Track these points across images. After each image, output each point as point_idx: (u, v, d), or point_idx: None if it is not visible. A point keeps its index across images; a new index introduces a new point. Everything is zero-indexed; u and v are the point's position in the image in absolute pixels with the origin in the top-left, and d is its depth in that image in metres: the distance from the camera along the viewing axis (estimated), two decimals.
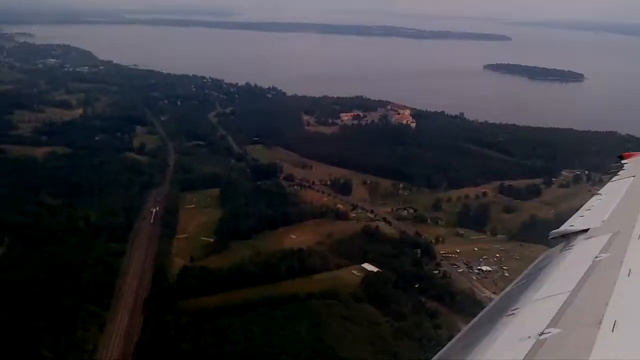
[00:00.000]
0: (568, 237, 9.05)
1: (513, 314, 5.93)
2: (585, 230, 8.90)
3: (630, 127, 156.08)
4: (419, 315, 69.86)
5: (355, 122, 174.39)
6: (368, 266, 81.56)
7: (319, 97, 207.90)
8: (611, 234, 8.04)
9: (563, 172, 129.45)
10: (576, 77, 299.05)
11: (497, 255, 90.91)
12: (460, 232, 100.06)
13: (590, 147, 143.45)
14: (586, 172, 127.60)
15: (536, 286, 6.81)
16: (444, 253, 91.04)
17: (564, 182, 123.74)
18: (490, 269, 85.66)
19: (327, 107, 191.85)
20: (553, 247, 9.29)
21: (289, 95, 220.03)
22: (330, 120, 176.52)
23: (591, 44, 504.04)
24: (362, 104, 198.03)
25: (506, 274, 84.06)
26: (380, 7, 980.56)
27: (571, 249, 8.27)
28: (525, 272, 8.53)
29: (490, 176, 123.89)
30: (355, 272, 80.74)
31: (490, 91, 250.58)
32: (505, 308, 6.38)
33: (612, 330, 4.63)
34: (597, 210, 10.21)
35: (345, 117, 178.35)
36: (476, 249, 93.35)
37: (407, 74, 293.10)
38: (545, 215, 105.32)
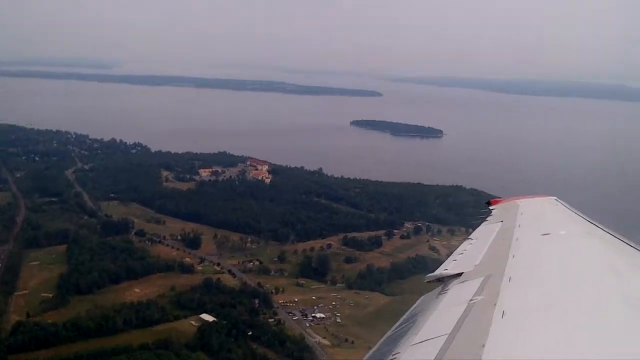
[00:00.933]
0: (443, 281, 9.49)
1: (395, 358, 6.18)
2: (459, 274, 9.31)
3: (478, 182, 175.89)
4: None
5: (213, 177, 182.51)
6: (206, 316, 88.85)
7: (182, 153, 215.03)
8: (483, 277, 8.43)
9: (405, 224, 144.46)
10: (436, 133, 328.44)
11: (333, 303, 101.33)
12: (301, 282, 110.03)
13: (433, 200, 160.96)
14: (427, 223, 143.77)
15: (415, 330, 7.09)
16: (283, 302, 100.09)
17: (405, 234, 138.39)
18: (324, 316, 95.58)
19: (187, 163, 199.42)
20: (429, 291, 9.73)
21: (153, 151, 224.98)
22: (188, 176, 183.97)
23: (456, 101, 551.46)
24: (224, 159, 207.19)
25: (338, 320, 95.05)
26: (267, 61, 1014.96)
27: (446, 292, 8.63)
28: (404, 316, 8.97)
29: (337, 229, 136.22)
30: (193, 322, 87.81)
31: (351, 147, 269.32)
32: (386, 353, 6.66)
33: None
34: (469, 255, 10.68)
35: (204, 172, 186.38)
36: (314, 297, 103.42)
37: (275, 130, 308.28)
38: (382, 264, 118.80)
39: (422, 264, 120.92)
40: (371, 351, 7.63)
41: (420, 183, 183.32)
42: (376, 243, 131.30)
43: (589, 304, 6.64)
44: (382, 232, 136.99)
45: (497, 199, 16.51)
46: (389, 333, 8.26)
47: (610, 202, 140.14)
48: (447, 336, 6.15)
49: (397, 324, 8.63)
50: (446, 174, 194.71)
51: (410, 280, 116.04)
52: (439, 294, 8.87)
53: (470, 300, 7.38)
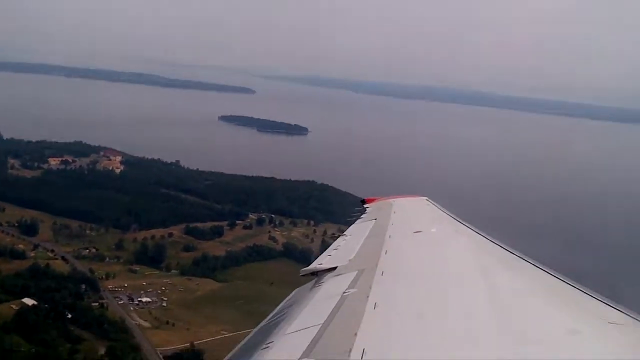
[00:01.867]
0: (318, 275, 9.56)
1: (268, 347, 6.27)
2: (334, 268, 9.44)
3: (331, 178, 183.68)
4: (62, 341, 79.99)
5: (62, 166, 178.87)
6: (28, 300, 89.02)
7: (35, 142, 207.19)
8: (357, 271, 8.55)
9: (250, 215, 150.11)
10: (301, 130, 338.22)
11: (163, 288, 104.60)
12: (135, 268, 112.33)
13: (281, 194, 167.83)
14: (271, 215, 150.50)
15: (289, 321, 7.18)
16: (112, 287, 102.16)
17: (248, 224, 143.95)
18: (150, 300, 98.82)
19: (38, 151, 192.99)
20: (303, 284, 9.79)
21: (5, 138, 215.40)
22: (36, 164, 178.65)
23: (329, 100, 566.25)
24: (78, 149, 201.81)
25: (164, 304, 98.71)
26: (144, 53, 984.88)
27: (321, 285, 8.74)
28: (278, 308, 9.13)
29: (181, 219, 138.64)
30: (13, 306, 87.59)
31: (214, 141, 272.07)
32: (259, 342, 6.77)
33: (361, 358, 5.05)
34: (343, 250, 10.90)
35: (54, 161, 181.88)
36: (144, 283, 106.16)
37: (140, 122, 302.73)
38: (219, 252, 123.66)
39: (258, 252, 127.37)
40: (241, 343, 7.81)
41: (273, 177, 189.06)
42: (218, 233, 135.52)
43: (457, 298, 7.02)
44: (225, 222, 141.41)
45: (372, 198, 16.43)
46: (262, 324, 8.48)
47: (479, 204, 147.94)
48: (320, 326, 6.29)
49: (270, 315, 8.89)
50: (301, 170, 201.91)
51: (245, 267, 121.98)
52: (313, 287, 9.03)
53: (344, 292, 7.56)
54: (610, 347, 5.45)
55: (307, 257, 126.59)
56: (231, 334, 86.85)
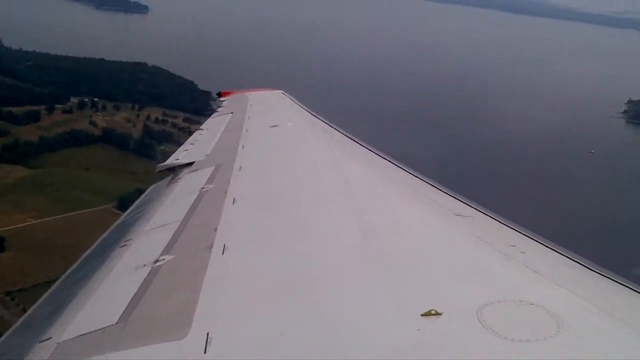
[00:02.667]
0: (175, 171, 9.40)
1: (126, 244, 6.19)
2: (191, 164, 9.33)
3: (163, 62, 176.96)
4: None
5: None
6: None
7: None
8: (214, 166, 8.52)
9: (72, 99, 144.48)
10: (141, 9, 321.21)
11: None
12: None
13: (108, 76, 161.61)
14: (94, 99, 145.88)
15: (147, 218, 7.07)
16: None
17: (68, 108, 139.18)
18: None
19: None
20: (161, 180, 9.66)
21: None
22: None
23: None
24: None
25: None
26: None
27: (178, 181, 8.60)
28: (134, 205, 8.96)
29: None
30: None
31: (45, 18, 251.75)
32: (117, 240, 6.63)
33: (223, 253, 5.09)
34: (200, 145, 10.68)
35: None
36: None
37: None
38: (33, 138, 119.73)
39: (75, 137, 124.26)
40: (96, 242, 7.49)
41: (102, 59, 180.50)
42: (34, 117, 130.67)
43: (313, 191, 6.99)
44: (43, 106, 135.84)
45: (228, 92, 15.77)
46: (117, 222, 8.27)
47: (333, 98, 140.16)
48: (179, 222, 6.24)
49: (126, 213, 8.67)
50: (135, 52, 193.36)
51: (60, 153, 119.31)
52: (170, 182, 8.82)
53: (202, 188, 7.45)
54: (456, 235, 5.56)
55: (126, 142, 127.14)
56: (37, 221, 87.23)
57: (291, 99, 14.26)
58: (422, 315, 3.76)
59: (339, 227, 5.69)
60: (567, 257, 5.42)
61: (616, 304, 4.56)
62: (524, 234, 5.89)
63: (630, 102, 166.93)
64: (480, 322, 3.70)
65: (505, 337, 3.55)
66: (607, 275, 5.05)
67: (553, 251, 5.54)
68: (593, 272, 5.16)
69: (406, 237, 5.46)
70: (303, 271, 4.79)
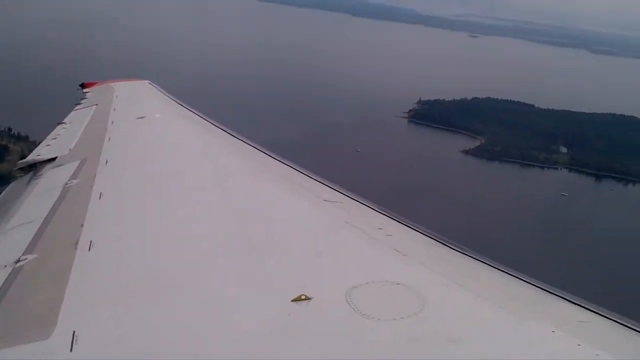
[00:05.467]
0: (36, 167, 8.97)
1: None
2: (54, 159, 8.93)
3: None
4: None
5: None
6: None
7: None
8: (79, 160, 8.25)
9: None
10: None
11: None
12: None
13: None
14: None
15: (7, 217, 6.75)
16: None
17: None
18: None
19: None
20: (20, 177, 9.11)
21: None
22: None
23: None
24: None
25: None
26: None
27: (40, 177, 8.25)
28: None
29: None
30: None
31: None
32: None
33: (89, 250, 4.95)
34: (63, 139, 10.21)
35: None
36: None
37: None
38: None
39: None
40: None
41: None
42: None
43: (182, 181, 7.02)
44: None
45: (92, 82, 15.37)
46: None
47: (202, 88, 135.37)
48: (42, 220, 6.01)
49: None
50: None
51: None
52: (31, 179, 8.42)
53: (66, 184, 7.22)
54: (325, 220, 5.77)
55: None
56: None
57: (158, 90, 14.25)
58: (292, 300, 3.96)
59: (209, 216, 5.82)
60: (430, 237, 5.67)
61: (477, 279, 4.86)
62: (390, 217, 6.16)
63: (419, 102, 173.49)
64: (348, 304, 3.95)
65: (373, 317, 3.82)
66: (469, 254, 5.33)
67: (418, 232, 5.81)
68: (455, 250, 5.43)
69: (276, 224, 5.61)
70: (172, 263, 4.83)
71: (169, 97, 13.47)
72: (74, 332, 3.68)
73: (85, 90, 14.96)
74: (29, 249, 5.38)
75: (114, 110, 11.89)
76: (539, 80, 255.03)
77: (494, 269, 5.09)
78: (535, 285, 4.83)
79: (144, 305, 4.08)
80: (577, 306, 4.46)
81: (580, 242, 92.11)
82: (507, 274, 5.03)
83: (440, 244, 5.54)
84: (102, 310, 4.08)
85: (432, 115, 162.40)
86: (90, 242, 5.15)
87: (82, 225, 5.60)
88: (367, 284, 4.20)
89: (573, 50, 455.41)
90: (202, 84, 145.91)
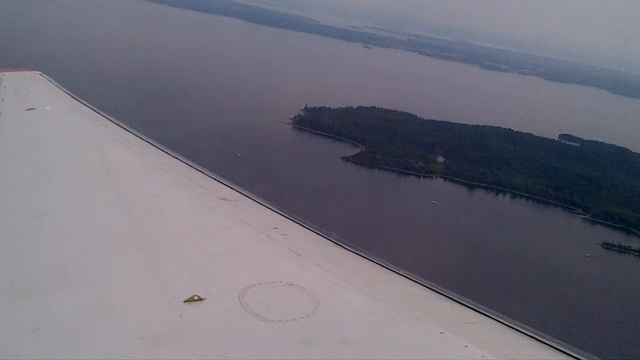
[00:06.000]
0: None
1: None
2: None
3: None
4: None
5: None
6: None
7: None
8: None
9: None
10: None
11: None
12: None
13: None
14: None
15: None
16: None
17: None
18: None
19: None
20: None
21: None
22: None
23: None
24: None
25: None
26: None
27: None
28: None
29: None
30: None
31: None
32: None
33: None
34: None
35: None
36: None
37: None
38: None
39: None
40: None
41: None
42: None
43: (73, 175, 6.93)
44: None
45: None
46: None
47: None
48: None
49: None
50: None
51: None
52: None
53: None
54: (220, 219, 5.73)
55: None
56: None
57: (50, 81, 13.97)
58: (184, 301, 3.87)
59: (100, 213, 5.71)
60: (324, 237, 5.79)
61: (370, 281, 4.89)
62: (286, 217, 6.24)
63: (305, 109, 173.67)
64: (242, 305, 3.93)
65: (267, 319, 3.78)
66: (361, 254, 5.41)
67: (313, 232, 5.88)
68: (348, 251, 5.53)
69: (170, 222, 5.57)
70: (60, 259, 4.67)
71: (61, 89, 13.18)
72: None
73: None
74: None
75: (2, 101, 11.54)
76: (425, 91, 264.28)
77: (387, 269, 5.13)
78: (425, 286, 4.84)
79: (28, 307, 3.85)
80: (465, 307, 4.49)
81: (447, 245, 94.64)
82: (399, 275, 5.06)
83: (336, 245, 5.61)
84: None
85: (317, 122, 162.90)
86: None
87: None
88: (261, 284, 4.15)
89: (464, 65, 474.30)
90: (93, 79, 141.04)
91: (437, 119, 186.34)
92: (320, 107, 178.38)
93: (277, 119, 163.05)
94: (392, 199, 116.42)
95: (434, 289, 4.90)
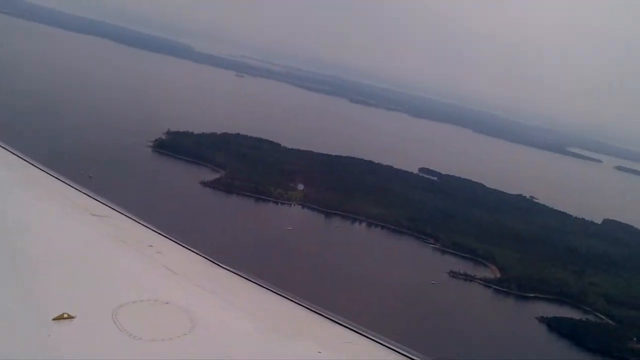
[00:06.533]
0: None
1: None
2: None
3: None
4: None
5: None
6: None
7: None
8: None
9: None
10: None
11: None
12: None
13: None
14: None
15: None
16: None
17: None
18: None
19: None
20: None
21: None
22: None
23: None
24: None
25: None
26: None
27: None
28: None
29: None
30: None
31: None
32: None
33: None
34: None
35: None
36: None
37: None
38: None
39: None
40: None
41: None
42: None
43: None
44: None
45: None
46: None
47: None
48: None
49: None
50: None
51: None
52: None
53: None
54: (92, 235, 5.47)
55: None
56: None
57: None
58: (53, 319, 3.70)
59: None
60: (200, 255, 5.77)
61: (248, 300, 4.96)
62: (161, 234, 6.10)
63: (167, 132, 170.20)
64: (115, 323, 3.81)
65: (141, 338, 3.70)
66: (235, 272, 5.42)
67: (188, 250, 5.84)
68: (223, 269, 5.51)
69: (39, 238, 5.17)
70: None
71: None
72: None
73: None
74: None
75: None
76: (292, 121, 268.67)
77: (264, 288, 5.09)
78: (303, 306, 4.85)
79: None
80: (343, 327, 4.51)
81: (299, 271, 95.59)
82: (276, 294, 5.00)
83: (213, 264, 5.52)
84: None
85: (178, 146, 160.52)
86: None
87: None
88: (135, 302, 4.02)
89: (334, 98, 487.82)
90: None
91: (301, 148, 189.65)
92: (184, 132, 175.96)
93: (137, 141, 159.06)
94: (245, 224, 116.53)
95: (313, 309, 4.92)
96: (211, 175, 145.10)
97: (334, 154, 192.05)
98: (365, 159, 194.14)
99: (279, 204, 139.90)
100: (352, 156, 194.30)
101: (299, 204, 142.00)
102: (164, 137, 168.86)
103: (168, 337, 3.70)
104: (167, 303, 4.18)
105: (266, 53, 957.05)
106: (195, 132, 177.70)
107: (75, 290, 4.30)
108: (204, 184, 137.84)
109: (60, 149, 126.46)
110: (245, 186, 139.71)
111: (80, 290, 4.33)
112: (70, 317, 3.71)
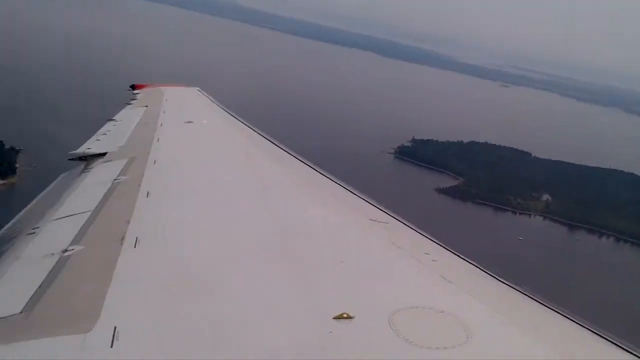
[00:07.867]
0: (87, 160, 9.28)
1: (34, 232, 6.00)
2: (104, 154, 9.25)
3: None
4: None
5: None
6: None
7: None
8: (128, 158, 8.51)
9: None
10: None
11: None
12: None
13: None
14: None
15: (56, 206, 6.86)
16: None
17: None
18: None
19: None
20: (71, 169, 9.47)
21: None
22: None
23: None
24: None
25: None
26: None
27: (90, 171, 8.53)
28: (43, 192, 8.72)
29: None
30: None
31: None
32: (24, 228, 6.51)
33: (135, 246, 4.99)
34: (113, 135, 10.57)
35: None
36: None
37: None
38: None
39: None
40: (5, 227, 7.22)
41: None
42: None
43: (228, 187, 7.11)
44: None
45: (142, 84, 16.22)
46: (26, 209, 8.07)
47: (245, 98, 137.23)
48: (90, 213, 6.13)
49: (34, 201, 8.42)
50: None
51: None
52: (82, 172, 8.71)
53: (115, 180, 7.38)
54: (372, 240, 5.70)
55: None
56: None
57: (207, 97, 14.78)
58: (334, 318, 3.84)
59: (254, 225, 5.74)
60: (476, 266, 5.61)
61: (521, 312, 4.73)
62: (437, 243, 6.09)
63: (412, 140, 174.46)
64: (391, 327, 3.81)
65: (416, 344, 3.63)
66: (513, 286, 5.19)
67: (463, 260, 5.73)
68: (500, 281, 5.32)
69: (321, 239, 5.45)
70: (215, 268, 4.74)
71: (218, 105, 13.94)
72: (115, 327, 3.64)
73: (135, 91, 15.73)
74: (76, 240, 5.42)
75: (164, 112, 12.34)
76: (552, 131, 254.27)
77: (539, 303, 4.90)
78: (577, 323, 4.60)
79: (185, 306, 4.03)
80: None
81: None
82: (550, 310, 4.84)
83: (487, 275, 5.45)
84: (144, 308, 4.06)
85: (420, 153, 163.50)
86: (136, 238, 5.19)
87: (128, 221, 5.67)
88: (411, 308, 4.08)
89: (608, 108, 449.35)
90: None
91: (552, 159, 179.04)
92: (428, 140, 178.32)
93: (382, 148, 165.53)
94: (474, 232, 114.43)
95: (591, 328, 4.56)
96: (448, 182, 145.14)
97: (590, 164, 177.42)
98: (625, 171, 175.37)
99: (517, 213, 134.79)
100: (613, 168, 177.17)
101: (540, 215, 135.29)
102: (406, 144, 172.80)
103: (443, 346, 3.66)
104: (442, 312, 4.12)
105: (529, 61, 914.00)
106: (439, 140, 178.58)
107: (354, 292, 4.46)
108: (439, 190, 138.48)
109: (310, 151, 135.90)
110: (481, 194, 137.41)
111: (359, 291, 4.48)
112: (349, 317, 3.88)
